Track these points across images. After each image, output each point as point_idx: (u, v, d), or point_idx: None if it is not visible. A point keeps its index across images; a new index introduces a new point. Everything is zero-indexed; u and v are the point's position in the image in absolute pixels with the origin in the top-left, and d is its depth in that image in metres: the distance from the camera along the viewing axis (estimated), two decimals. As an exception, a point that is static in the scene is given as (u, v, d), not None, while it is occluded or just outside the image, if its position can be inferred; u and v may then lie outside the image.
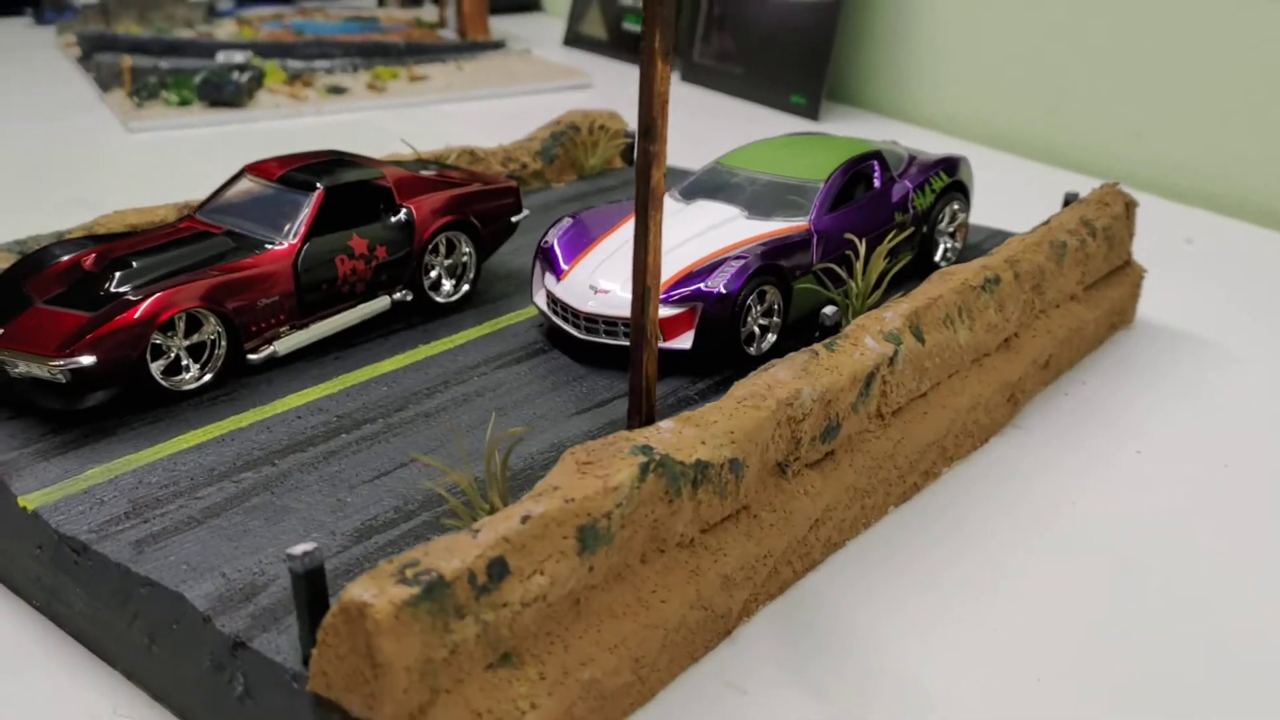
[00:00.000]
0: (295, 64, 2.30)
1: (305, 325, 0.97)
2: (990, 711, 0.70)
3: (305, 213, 0.97)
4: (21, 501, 0.76)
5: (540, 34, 2.92)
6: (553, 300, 1.00)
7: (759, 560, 0.76)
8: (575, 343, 0.99)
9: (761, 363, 0.94)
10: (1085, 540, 0.87)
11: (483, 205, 1.09)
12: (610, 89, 2.31)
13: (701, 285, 0.93)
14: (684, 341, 0.94)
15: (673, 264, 0.97)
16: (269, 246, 0.95)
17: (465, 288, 1.09)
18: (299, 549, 0.60)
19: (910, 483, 0.90)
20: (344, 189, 1.00)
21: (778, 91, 2.16)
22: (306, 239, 0.96)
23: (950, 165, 1.17)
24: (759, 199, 1.05)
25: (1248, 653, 0.76)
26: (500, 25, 2.88)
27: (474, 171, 1.16)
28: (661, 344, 0.94)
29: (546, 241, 1.03)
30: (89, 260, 0.92)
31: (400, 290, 1.04)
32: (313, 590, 0.60)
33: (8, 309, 0.88)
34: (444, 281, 1.08)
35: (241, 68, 2.12)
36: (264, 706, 0.63)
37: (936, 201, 1.14)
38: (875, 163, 1.11)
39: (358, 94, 2.18)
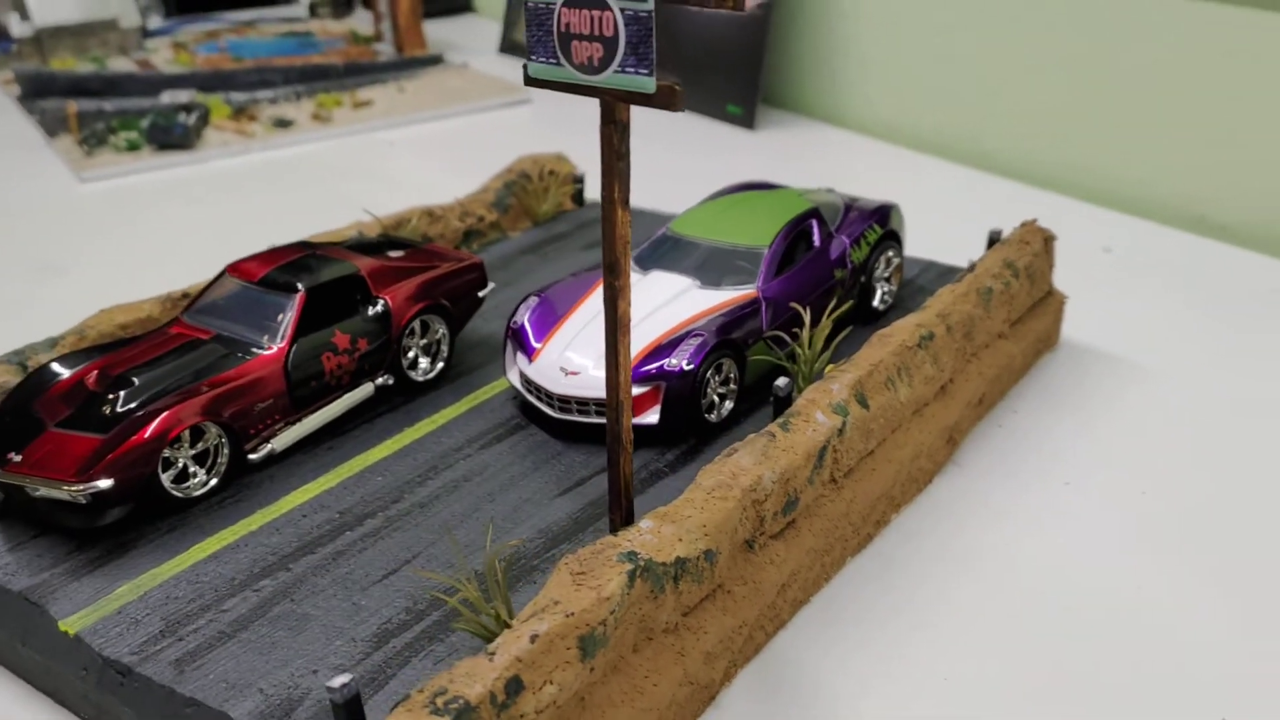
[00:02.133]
0: (238, 96, 2.33)
1: (299, 419, 1.04)
2: (945, 757, 0.81)
3: (290, 315, 1.04)
4: (62, 626, 0.83)
5: (476, 39, 2.96)
6: (526, 380, 1.08)
7: (735, 631, 0.85)
8: (550, 419, 1.07)
9: (721, 428, 1.05)
10: (1005, 578, 0.97)
11: (451, 285, 1.17)
12: (546, 105, 2.37)
13: (664, 364, 1.02)
14: (651, 416, 1.02)
15: (637, 339, 1.05)
16: (257, 351, 1.02)
17: (440, 365, 1.16)
18: (337, 681, 0.69)
19: (864, 534, 1.00)
20: (323, 288, 1.07)
21: (714, 102, 2.24)
22: (294, 341, 1.04)
23: (883, 216, 1.26)
24: (709, 267, 1.14)
25: (1184, 688, 0.86)
26: (435, 33, 2.91)
27: (440, 249, 1.24)
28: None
29: (516, 321, 1.11)
30: (91, 379, 0.99)
31: (382, 375, 1.11)
32: (352, 717, 0.69)
33: (21, 433, 0.94)
34: (421, 360, 1.15)
35: (188, 108, 2.15)
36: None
37: (872, 253, 1.23)
38: (814, 221, 1.20)
39: (303, 125, 2.23)
